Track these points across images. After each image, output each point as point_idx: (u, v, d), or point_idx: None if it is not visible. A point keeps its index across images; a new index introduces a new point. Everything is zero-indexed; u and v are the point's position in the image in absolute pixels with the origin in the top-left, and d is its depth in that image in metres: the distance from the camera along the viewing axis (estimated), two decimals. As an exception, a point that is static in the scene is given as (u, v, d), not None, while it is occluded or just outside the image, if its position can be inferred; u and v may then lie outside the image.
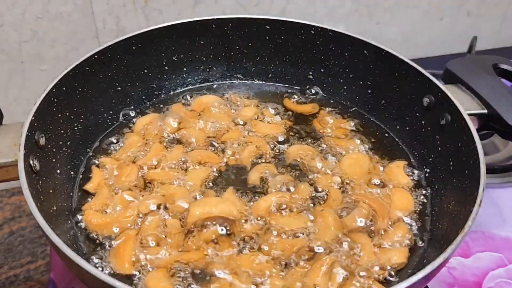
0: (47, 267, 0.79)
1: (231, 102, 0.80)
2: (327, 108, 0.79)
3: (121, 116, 0.76)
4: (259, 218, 0.61)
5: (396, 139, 0.75)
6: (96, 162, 0.69)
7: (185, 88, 0.82)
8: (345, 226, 0.61)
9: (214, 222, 0.60)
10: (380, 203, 0.64)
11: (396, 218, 0.63)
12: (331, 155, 0.71)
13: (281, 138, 0.73)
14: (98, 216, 0.61)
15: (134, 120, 0.76)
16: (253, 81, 0.84)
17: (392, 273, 0.57)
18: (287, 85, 0.84)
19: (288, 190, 0.65)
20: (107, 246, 0.58)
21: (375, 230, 0.61)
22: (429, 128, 0.70)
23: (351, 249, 0.59)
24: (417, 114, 0.72)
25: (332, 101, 0.81)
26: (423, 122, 0.71)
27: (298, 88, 0.83)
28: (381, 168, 0.70)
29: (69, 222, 0.60)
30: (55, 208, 0.58)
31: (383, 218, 0.62)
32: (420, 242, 0.61)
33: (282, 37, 0.80)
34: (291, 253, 0.58)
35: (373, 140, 0.75)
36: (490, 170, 0.83)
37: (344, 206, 0.64)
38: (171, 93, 0.81)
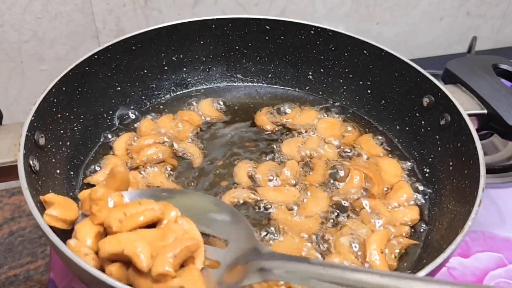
0: (47, 267, 0.79)
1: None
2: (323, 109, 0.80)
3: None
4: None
5: (396, 139, 0.75)
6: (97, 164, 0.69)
7: (185, 88, 0.82)
8: (341, 195, 0.65)
9: None
10: (371, 169, 0.67)
11: (390, 183, 0.67)
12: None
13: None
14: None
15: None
16: (252, 83, 0.84)
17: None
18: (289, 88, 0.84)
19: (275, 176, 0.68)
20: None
21: (373, 195, 0.64)
22: (428, 128, 0.70)
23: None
24: (417, 114, 0.72)
25: (331, 102, 0.81)
26: (422, 122, 0.71)
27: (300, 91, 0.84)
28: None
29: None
30: (55, 208, 0.58)
31: (379, 184, 0.65)
32: (420, 241, 0.61)
33: (282, 37, 0.80)
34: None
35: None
36: (490, 170, 0.83)
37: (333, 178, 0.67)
38: (171, 93, 0.81)
